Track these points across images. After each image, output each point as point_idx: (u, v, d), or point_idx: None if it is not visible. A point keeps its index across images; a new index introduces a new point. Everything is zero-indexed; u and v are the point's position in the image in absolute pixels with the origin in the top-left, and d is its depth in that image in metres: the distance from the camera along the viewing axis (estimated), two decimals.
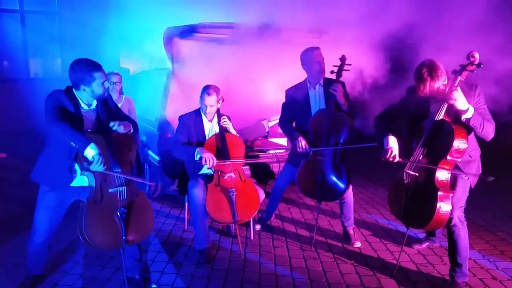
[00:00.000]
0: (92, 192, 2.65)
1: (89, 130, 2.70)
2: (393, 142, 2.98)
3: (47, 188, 2.77)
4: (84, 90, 2.67)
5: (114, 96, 4.53)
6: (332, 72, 3.59)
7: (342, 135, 3.52)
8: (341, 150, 3.55)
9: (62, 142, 2.61)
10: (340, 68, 3.53)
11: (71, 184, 2.76)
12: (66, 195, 2.79)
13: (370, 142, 3.21)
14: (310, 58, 3.67)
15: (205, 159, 3.39)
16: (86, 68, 2.64)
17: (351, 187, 3.70)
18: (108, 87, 2.75)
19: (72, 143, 2.50)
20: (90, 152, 2.45)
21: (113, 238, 2.63)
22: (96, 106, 2.79)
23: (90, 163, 2.49)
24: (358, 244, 3.80)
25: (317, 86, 3.76)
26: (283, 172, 4.05)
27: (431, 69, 2.66)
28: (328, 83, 3.63)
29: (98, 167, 2.50)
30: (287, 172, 3.99)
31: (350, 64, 3.52)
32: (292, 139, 3.74)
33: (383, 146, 3.01)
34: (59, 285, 3.05)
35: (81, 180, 2.76)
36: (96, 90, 2.68)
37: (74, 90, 2.72)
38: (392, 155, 2.93)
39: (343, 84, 3.61)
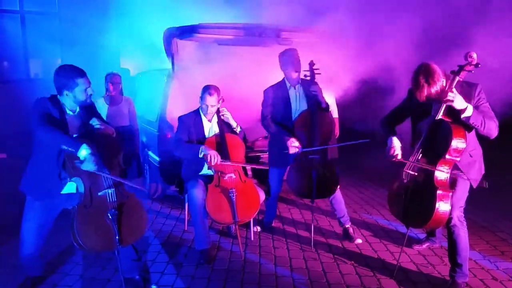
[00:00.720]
0: (82, 197, 2.66)
1: (74, 135, 2.72)
2: (395, 142, 3.02)
3: (35, 198, 2.76)
4: (66, 95, 2.70)
5: (106, 102, 4.43)
6: (305, 76, 3.79)
7: (331, 133, 3.74)
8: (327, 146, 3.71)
9: (50, 149, 2.63)
10: (312, 72, 3.76)
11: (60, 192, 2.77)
12: (55, 204, 2.80)
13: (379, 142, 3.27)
14: (290, 58, 3.75)
15: (210, 155, 3.40)
16: (69, 74, 2.68)
17: (338, 183, 3.79)
18: (91, 94, 2.78)
19: (64, 146, 2.53)
20: (83, 152, 2.49)
21: (107, 240, 2.64)
22: (79, 112, 2.82)
23: (82, 162, 2.52)
24: (359, 240, 3.84)
25: (297, 86, 3.87)
26: (272, 178, 4.03)
27: (428, 75, 2.66)
28: (304, 83, 3.81)
29: (90, 165, 2.51)
30: (275, 176, 4.01)
31: (318, 68, 3.76)
32: (282, 139, 3.72)
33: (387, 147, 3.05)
34: (58, 286, 3.05)
35: (69, 187, 2.77)
36: (78, 96, 2.70)
37: (58, 96, 2.74)
38: (395, 154, 2.96)
39: (319, 89, 3.81)
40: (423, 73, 2.67)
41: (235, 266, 3.42)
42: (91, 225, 2.61)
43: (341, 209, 3.92)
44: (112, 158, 2.81)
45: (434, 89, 2.67)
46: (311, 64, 3.78)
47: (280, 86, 3.88)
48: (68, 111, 2.76)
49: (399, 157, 2.97)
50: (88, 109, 2.88)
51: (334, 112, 5.34)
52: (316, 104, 3.72)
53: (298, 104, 3.84)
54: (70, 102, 2.73)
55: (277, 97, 3.85)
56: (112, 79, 4.32)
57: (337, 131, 5.36)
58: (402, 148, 3.02)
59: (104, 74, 4.72)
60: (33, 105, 2.64)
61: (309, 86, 3.73)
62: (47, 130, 2.50)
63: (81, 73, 2.70)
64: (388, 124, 3.17)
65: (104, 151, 2.69)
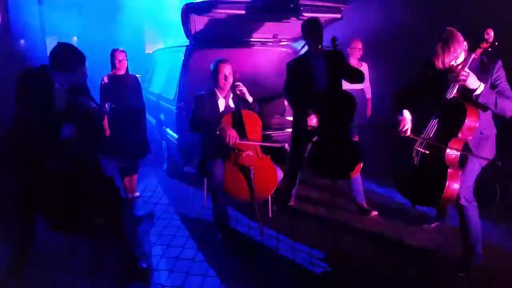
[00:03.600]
0: None
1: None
2: (406, 114, 2.88)
3: None
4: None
5: (111, 79, 4.35)
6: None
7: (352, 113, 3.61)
8: (349, 126, 3.64)
9: None
10: (334, 48, 3.62)
11: None
12: None
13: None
14: (317, 29, 3.66)
15: (228, 135, 3.37)
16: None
17: (361, 164, 3.67)
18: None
19: None
20: None
21: None
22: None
23: None
24: (375, 213, 3.88)
25: (320, 58, 3.72)
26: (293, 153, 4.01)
27: (446, 43, 2.56)
28: (328, 55, 3.68)
29: None
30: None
31: (338, 45, 3.62)
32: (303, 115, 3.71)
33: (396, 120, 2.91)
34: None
35: None
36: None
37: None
38: (404, 128, 2.84)
39: (342, 55, 3.73)
40: (443, 40, 2.58)
41: (254, 241, 3.47)
42: None
43: (360, 191, 3.93)
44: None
45: (449, 59, 2.57)
46: (334, 40, 3.60)
47: (304, 58, 3.80)
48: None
49: (408, 133, 2.84)
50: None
51: (367, 91, 5.27)
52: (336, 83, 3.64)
53: (321, 77, 3.68)
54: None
55: (300, 69, 3.75)
56: (117, 55, 4.26)
57: (369, 111, 5.30)
58: (413, 124, 2.87)
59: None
60: None
61: (331, 57, 3.64)
62: None
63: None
64: (401, 99, 3.01)
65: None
